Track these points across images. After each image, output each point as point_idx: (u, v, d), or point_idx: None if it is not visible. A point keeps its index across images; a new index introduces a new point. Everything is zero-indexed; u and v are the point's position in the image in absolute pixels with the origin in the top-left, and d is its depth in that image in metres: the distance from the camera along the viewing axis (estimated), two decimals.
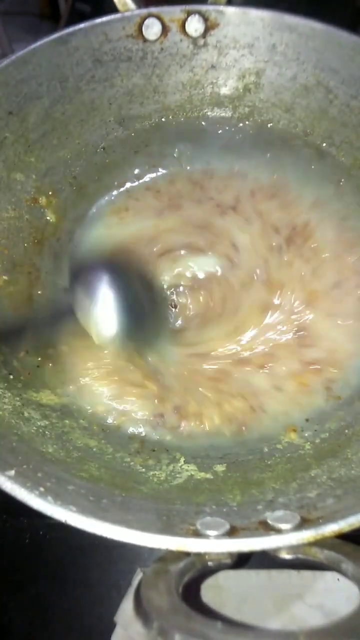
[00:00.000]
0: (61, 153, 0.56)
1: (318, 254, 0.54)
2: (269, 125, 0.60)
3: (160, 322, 0.50)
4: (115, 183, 0.60)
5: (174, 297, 0.52)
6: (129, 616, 0.41)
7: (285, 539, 0.29)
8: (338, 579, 0.43)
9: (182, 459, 0.43)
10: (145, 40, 0.55)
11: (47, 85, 0.52)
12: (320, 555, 0.30)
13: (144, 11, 0.53)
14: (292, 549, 0.30)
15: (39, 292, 0.52)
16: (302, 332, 0.50)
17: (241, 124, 0.61)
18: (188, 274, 0.54)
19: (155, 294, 0.49)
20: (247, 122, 0.61)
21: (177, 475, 0.40)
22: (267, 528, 0.30)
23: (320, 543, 0.29)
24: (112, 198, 0.60)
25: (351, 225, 0.54)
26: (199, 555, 0.30)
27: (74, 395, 0.45)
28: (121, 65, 0.56)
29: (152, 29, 0.54)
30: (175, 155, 0.62)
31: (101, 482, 0.36)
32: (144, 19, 0.53)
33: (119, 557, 0.46)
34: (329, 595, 0.42)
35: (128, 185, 0.60)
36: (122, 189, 0.60)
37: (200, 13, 0.54)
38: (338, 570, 0.30)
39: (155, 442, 0.44)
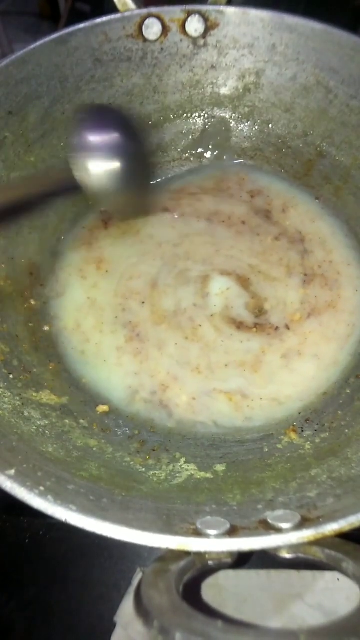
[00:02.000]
0: (61, 153, 0.56)
1: None
2: (269, 125, 0.60)
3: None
4: None
5: None
6: (129, 616, 0.41)
7: (285, 538, 0.29)
8: (338, 579, 0.43)
9: (183, 459, 0.43)
10: (145, 40, 0.55)
11: (47, 85, 0.52)
12: (321, 554, 0.30)
13: (144, 11, 0.53)
14: (293, 548, 0.30)
15: (39, 292, 0.52)
16: None
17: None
18: None
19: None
20: (247, 123, 0.61)
21: (177, 475, 0.40)
22: (267, 527, 0.30)
23: (320, 542, 0.29)
24: None
25: None
26: (199, 554, 0.30)
27: None
28: (121, 65, 0.56)
29: (152, 29, 0.54)
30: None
31: (101, 482, 0.36)
32: (144, 19, 0.53)
33: (119, 557, 0.46)
34: (329, 595, 0.42)
35: None
36: None
37: (200, 13, 0.54)
38: (338, 569, 0.29)
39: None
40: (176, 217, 0.58)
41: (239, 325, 0.51)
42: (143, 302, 0.53)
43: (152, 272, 0.55)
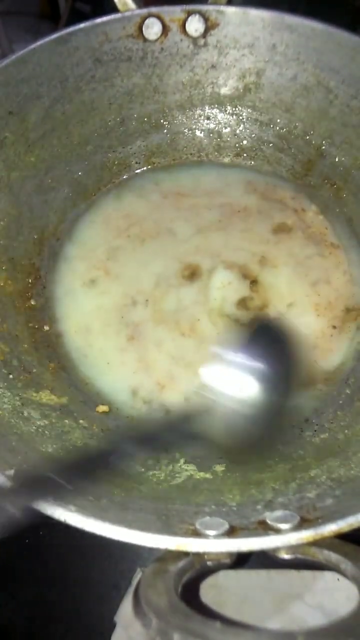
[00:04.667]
0: (61, 153, 0.56)
1: None
2: (270, 125, 0.60)
3: None
4: (116, 182, 0.60)
5: None
6: (129, 616, 0.41)
7: (284, 539, 0.29)
8: (338, 579, 0.42)
9: (182, 459, 0.43)
10: (145, 40, 0.55)
11: (47, 85, 0.52)
12: (320, 555, 0.30)
13: (144, 11, 0.53)
14: (291, 549, 0.30)
15: (39, 292, 0.53)
16: None
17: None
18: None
19: None
20: (247, 122, 0.61)
21: (177, 475, 0.40)
22: (266, 528, 0.30)
23: (319, 543, 0.29)
24: (113, 197, 0.60)
25: None
26: (198, 555, 0.30)
27: None
28: (121, 65, 0.56)
29: (153, 28, 0.54)
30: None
31: (100, 482, 0.36)
32: (144, 18, 0.53)
33: (119, 557, 0.46)
34: (329, 595, 0.42)
35: (128, 184, 0.61)
36: (122, 188, 0.60)
37: (200, 13, 0.54)
38: (337, 570, 0.29)
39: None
40: (186, 212, 0.58)
41: (235, 322, 0.51)
42: (147, 301, 0.53)
43: (160, 270, 0.55)
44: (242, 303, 0.52)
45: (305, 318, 0.52)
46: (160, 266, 0.55)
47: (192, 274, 0.54)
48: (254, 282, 0.53)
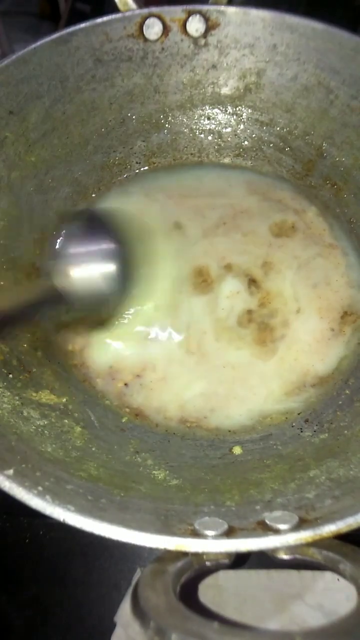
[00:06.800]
0: (62, 153, 0.56)
1: None
2: (270, 125, 0.60)
3: None
4: (116, 182, 0.60)
5: None
6: (129, 616, 0.41)
7: (283, 539, 0.29)
8: (338, 579, 0.43)
9: (181, 460, 0.43)
10: (146, 40, 0.55)
11: (48, 84, 0.52)
12: (318, 555, 0.30)
13: (145, 11, 0.53)
14: (290, 549, 0.30)
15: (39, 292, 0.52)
16: None
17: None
18: None
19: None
20: (247, 122, 0.61)
21: (176, 475, 0.40)
22: (265, 528, 0.30)
23: (318, 543, 0.29)
24: (114, 197, 0.60)
25: None
26: (196, 555, 0.30)
27: None
28: (122, 65, 0.56)
29: (153, 28, 0.54)
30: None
31: (100, 482, 0.36)
32: (144, 18, 0.53)
33: (119, 557, 0.46)
34: (329, 595, 0.42)
35: (129, 184, 0.61)
36: (122, 188, 0.60)
37: (201, 13, 0.54)
38: (336, 570, 0.29)
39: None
40: (189, 212, 0.58)
41: (240, 331, 0.51)
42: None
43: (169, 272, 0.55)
44: (249, 314, 0.52)
45: (311, 323, 0.52)
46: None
47: (203, 280, 0.54)
48: (260, 291, 0.53)
